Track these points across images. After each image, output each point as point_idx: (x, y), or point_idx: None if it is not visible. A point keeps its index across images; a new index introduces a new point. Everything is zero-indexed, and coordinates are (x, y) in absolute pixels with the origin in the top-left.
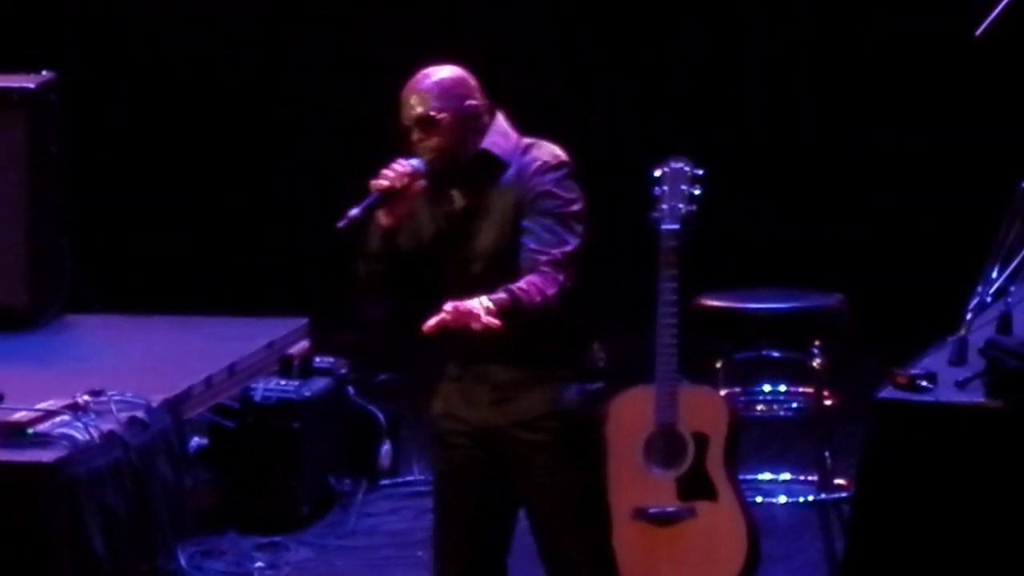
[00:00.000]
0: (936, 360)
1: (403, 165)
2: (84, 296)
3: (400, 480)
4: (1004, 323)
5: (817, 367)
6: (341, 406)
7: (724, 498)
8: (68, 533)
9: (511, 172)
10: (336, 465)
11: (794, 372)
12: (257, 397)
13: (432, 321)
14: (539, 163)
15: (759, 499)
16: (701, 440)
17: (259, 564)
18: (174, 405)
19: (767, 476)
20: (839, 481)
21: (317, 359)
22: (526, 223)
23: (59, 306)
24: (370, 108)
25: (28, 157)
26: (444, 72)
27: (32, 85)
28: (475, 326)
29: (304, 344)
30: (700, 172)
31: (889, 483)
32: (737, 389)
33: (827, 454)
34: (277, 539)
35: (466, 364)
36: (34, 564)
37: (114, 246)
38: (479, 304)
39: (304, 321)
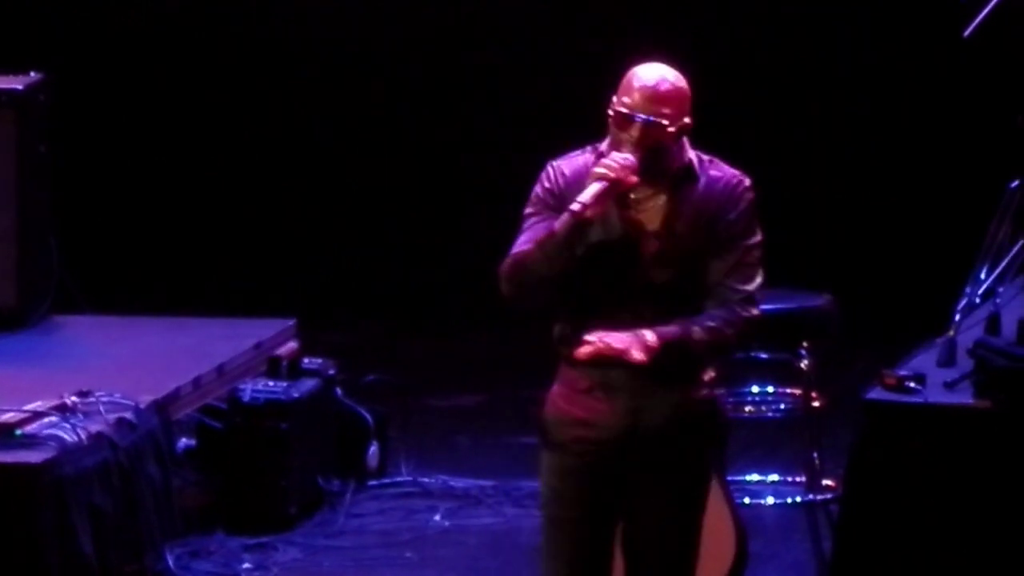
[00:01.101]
0: (925, 361)
1: (624, 159)
2: (72, 296)
3: (388, 480)
4: (993, 324)
5: (805, 368)
6: (329, 407)
7: (713, 499)
8: (56, 534)
9: (701, 185)
10: (324, 465)
11: (782, 373)
12: (245, 398)
13: (586, 350)
14: (736, 181)
15: (747, 500)
16: None
17: (247, 565)
18: (162, 406)
19: (755, 477)
20: (827, 482)
21: (305, 360)
22: (722, 249)
23: (47, 306)
24: (360, 110)
25: (17, 157)
26: (680, 80)
27: (20, 86)
28: (630, 359)
29: (292, 345)
30: None
31: (877, 484)
32: (725, 391)
33: (815, 455)
34: (265, 539)
35: (598, 375)
36: (23, 564)
37: (102, 246)
38: (641, 339)
39: (292, 322)
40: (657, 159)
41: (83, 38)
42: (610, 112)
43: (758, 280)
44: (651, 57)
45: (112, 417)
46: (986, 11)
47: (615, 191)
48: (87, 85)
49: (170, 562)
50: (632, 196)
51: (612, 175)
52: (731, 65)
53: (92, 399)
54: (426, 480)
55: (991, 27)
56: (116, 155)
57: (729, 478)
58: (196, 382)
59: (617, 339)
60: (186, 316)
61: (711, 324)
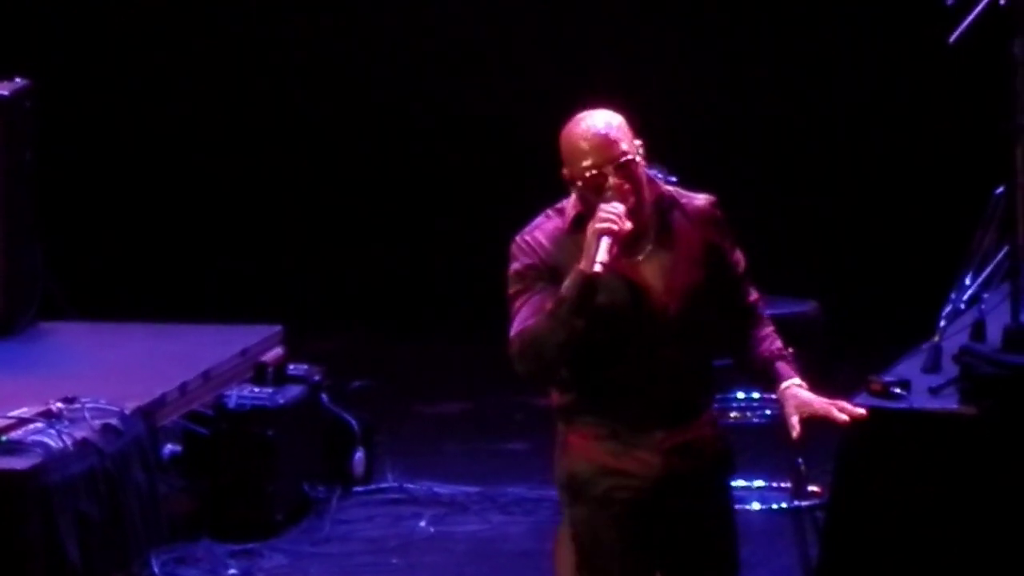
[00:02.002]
0: (910, 367)
1: (619, 208)
2: (58, 303)
3: (374, 487)
4: (978, 330)
5: None
6: (315, 413)
7: None
8: (43, 540)
9: (679, 216)
10: (310, 472)
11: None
12: (231, 404)
13: (797, 429)
14: (710, 204)
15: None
16: None
17: (233, 571)
18: (148, 412)
19: (741, 483)
20: (813, 488)
21: (291, 366)
22: (732, 274)
23: (33, 313)
24: (347, 119)
25: (2, 164)
26: (612, 115)
27: (6, 92)
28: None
29: (278, 351)
30: (674, 179)
31: (863, 490)
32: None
33: (801, 461)
34: (251, 546)
35: (621, 421)
36: (9, 571)
37: (88, 253)
38: (807, 392)
39: (278, 328)
40: (642, 200)
41: (68, 44)
42: (577, 183)
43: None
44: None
45: (98, 423)
46: (971, 17)
47: (619, 242)
48: (73, 90)
49: (156, 568)
50: (629, 244)
51: (612, 227)
52: (717, 73)
53: (78, 405)
54: (412, 486)
55: (976, 33)
56: (103, 161)
57: None
58: (182, 388)
59: (826, 402)
60: (172, 322)
61: (779, 341)
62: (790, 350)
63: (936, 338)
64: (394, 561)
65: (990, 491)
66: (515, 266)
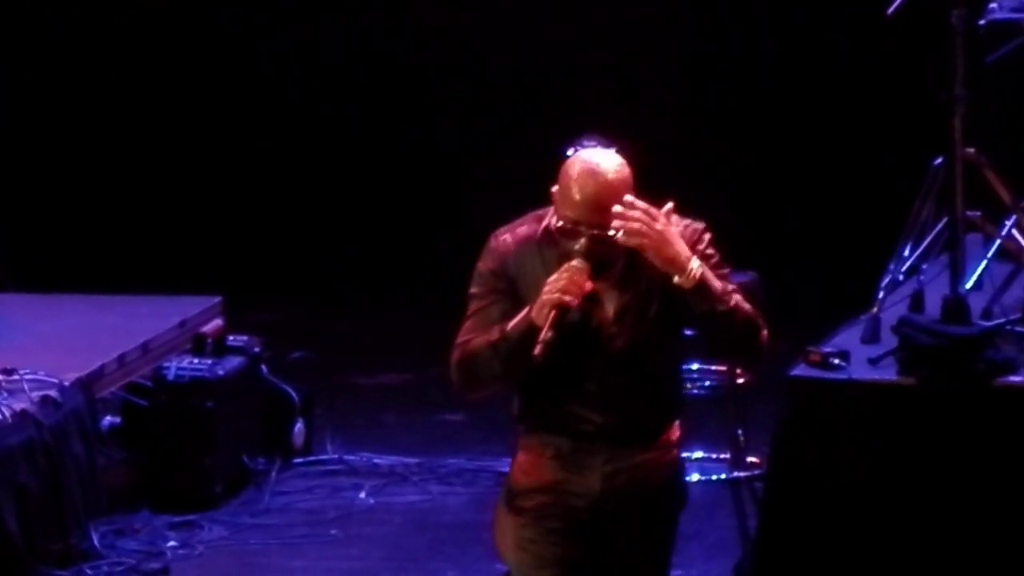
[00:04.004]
0: (849, 338)
1: (578, 273)
2: None
3: (313, 458)
4: (917, 301)
5: None
6: (255, 384)
7: None
8: None
9: None
10: (250, 443)
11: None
12: (170, 375)
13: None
14: (695, 231)
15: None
16: None
17: (172, 543)
18: (87, 384)
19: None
20: (752, 459)
21: (231, 337)
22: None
23: None
24: (283, 83)
25: None
26: (620, 168)
27: None
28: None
29: (218, 322)
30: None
31: (802, 460)
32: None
33: (740, 432)
34: (190, 517)
35: (565, 442)
36: None
37: (25, 225)
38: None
39: (218, 299)
40: (609, 259)
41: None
42: (556, 223)
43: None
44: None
45: (36, 395)
46: None
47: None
48: (7, 59)
49: (95, 540)
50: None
51: (567, 299)
52: (657, 42)
53: (16, 377)
54: (351, 458)
55: (915, 4)
56: (37, 132)
57: None
58: (121, 360)
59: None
60: (111, 294)
61: (748, 308)
62: (740, 304)
63: (875, 309)
64: (333, 532)
65: (927, 461)
66: (481, 266)
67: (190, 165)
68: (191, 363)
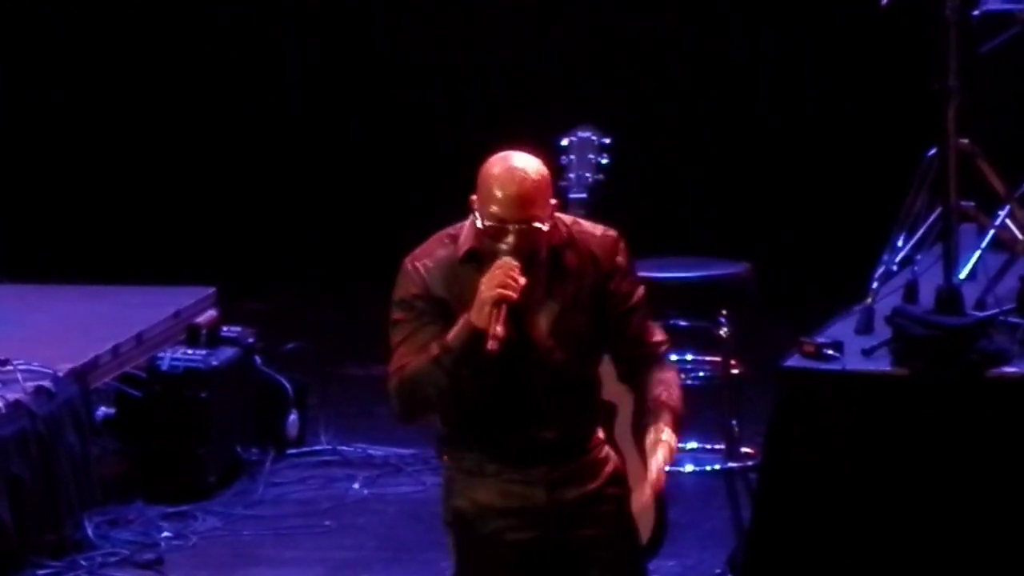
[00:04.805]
0: (842, 328)
1: (511, 269)
2: None
3: (307, 449)
4: (910, 291)
5: (724, 336)
6: (248, 375)
7: (632, 467)
8: None
9: (573, 254)
10: (243, 434)
11: (701, 341)
12: (164, 366)
13: (648, 497)
14: (609, 240)
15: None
16: (608, 410)
17: (166, 533)
18: (81, 374)
19: None
20: (746, 449)
21: (224, 328)
22: (624, 309)
23: None
24: (277, 78)
25: None
26: (537, 169)
27: None
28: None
29: (212, 313)
30: (607, 141)
31: (796, 451)
32: None
33: (734, 422)
34: (184, 508)
35: (504, 459)
36: None
37: (18, 214)
38: (669, 448)
39: (211, 290)
40: (536, 251)
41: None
42: (479, 224)
43: (662, 332)
44: None
45: (30, 386)
46: None
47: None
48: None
49: (89, 531)
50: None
51: (508, 293)
52: (643, 31)
53: (10, 367)
54: (345, 449)
55: None
56: (30, 122)
57: None
58: (115, 350)
59: (662, 462)
60: (104, 284)
61: (676, 392)
62: (682, 410)
63: (868, 300)
64: (327, 523)
65: (921, 452)
66: (401, 293)
67: (183, 155)
68: (185, 354)
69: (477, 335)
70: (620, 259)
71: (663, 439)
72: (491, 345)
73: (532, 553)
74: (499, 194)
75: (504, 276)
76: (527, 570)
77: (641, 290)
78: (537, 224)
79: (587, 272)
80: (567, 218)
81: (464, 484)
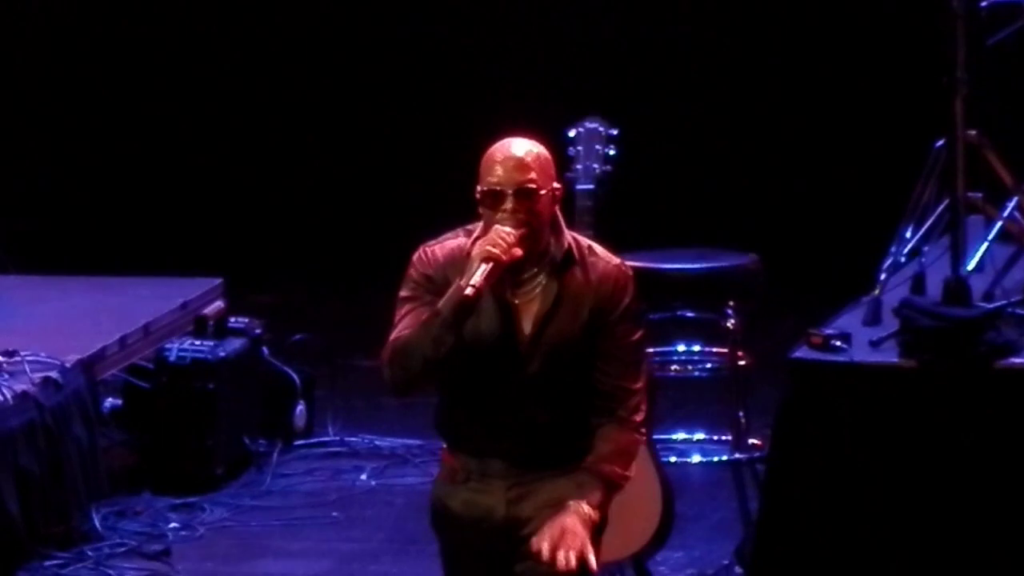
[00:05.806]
0: (850, 320)
1: (509, 235)
2: None
3: (314, 440)
4: (918, 283)
5: (731, 327)
6: (256, 366)
7: (639, 458)
8: None
9: (581, 273)
10: (251, 425)
11: (709, 332)
12: (172, 357)
13: (547, 553)
14: (620, 274)
15: (673, 459)
16: None
17: (174, 524)
18: (88, 365)
19: (681, 436)
20: (753, 441)
21: (232, 319)
22: (612, 347)
23: None
24: (282, 66)
25: None
26: (538, 146)
27: None
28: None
29: (219, 304)
30: (615, 132)
31: (803, 442)
32: (652, 349)
33: (741, 414)
34: (192, 499)
35: (474, 464)
36: None
37: (27, 206)
38: (583, 519)
39: (219, 281)
40: (536, 233)
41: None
42: (478, 196)
43: (643, 378)
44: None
45: (38, 377)
46: None
47: (501, 268)
48: (11, 43)
49: (96, 522)
50: (513, 278)
51: (497, 252)
52: (650, 22)
53: (17, 359)
54: (353, 440)
55: None
56: (39, 113)
57: (655, 437)
58: (122, 341)
59: (571, 538)
60: (112, 275)
61: (622, 460)
62: (620, 485)
63: (876, 291)
64: (335, 514)
65: (929, 444)
66: (411, 272)
67: (191, 147)
68: (192, 345)
69: (464, 300)
70: (627, 300)
71: (583, 510)
72: (468, 291)
73: (497, 555)
74: (498, 158)
75: (498, 238)
76: (496, 569)
77: (637, 337)
78: (533, 187)
79: (588, 295)
80: (585, 241)
81: (447, 481)
